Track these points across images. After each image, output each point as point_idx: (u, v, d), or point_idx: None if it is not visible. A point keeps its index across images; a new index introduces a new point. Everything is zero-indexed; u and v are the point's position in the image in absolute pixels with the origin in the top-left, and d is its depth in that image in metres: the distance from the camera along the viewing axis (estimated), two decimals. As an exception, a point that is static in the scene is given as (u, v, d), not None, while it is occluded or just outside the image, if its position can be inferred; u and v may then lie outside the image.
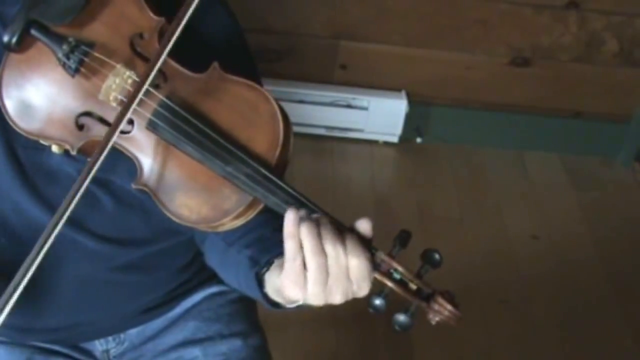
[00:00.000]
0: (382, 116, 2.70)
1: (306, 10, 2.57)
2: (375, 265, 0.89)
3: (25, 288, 1.08)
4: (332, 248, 0.85)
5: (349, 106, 2.69)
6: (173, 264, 1.20)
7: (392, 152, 2.78)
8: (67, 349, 1.21)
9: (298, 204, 0.88)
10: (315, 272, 0.85)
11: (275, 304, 0.98)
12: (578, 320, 2.24)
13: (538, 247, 2.46)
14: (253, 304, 1.30)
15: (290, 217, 0.86)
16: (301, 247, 0.86)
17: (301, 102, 2.66)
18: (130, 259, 1.13)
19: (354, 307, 2.14)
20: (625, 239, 2.53)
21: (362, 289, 0.88)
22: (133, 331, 1.22)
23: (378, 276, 0.90)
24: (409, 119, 2.71)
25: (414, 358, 2.08)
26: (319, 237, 0.85)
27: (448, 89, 2.73)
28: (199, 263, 1.23)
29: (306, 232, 0.85)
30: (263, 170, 0.87)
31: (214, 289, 1.26)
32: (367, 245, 0.88)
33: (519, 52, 2.64)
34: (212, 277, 1.25)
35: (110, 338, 1.22)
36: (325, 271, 0.85)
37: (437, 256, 0.91)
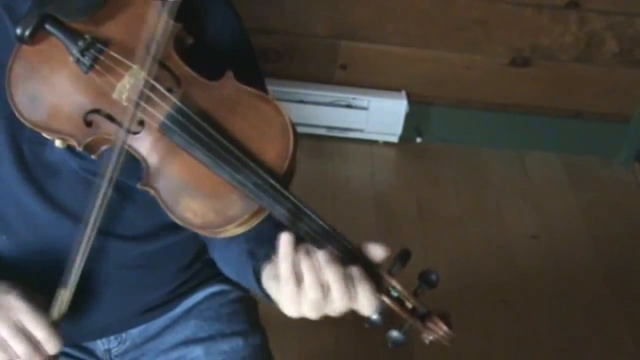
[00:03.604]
0: (382, 116, 2.70)
1: (306, 10, 2.57)
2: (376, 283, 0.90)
3: (31, 286, 1.08)
4: (333, 279, 0.86)
5: (349, 106, 2.70)
6: (175, 263, 1.21)
7: (392, 152, 2.79)
8: (69, 347, 1.21)
9: (302, 213, 0.89)
10: (312, 302, 0.87)
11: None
12: (578, 320, 2.24)
13: (538, 247, 2.47)
14: (254, 303, 1.31)
15: (284, 240, 0.87)
16: (295, 270, 0.87)
17: (301, 102, 2.66)
18: (132, 256, 1.14)
19: (354, 307, 2.13)
20: (625, 238, 2.53)
21: (362, 310, 0.90)
22: (134, 330, 1.22)
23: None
24: (409, 119, 2.71)
25: (414, 358, 2.09)
26: (318, 270, 0.86)
27: (448, 89, 2.74)
28: (200, 262, 1.24)
29: (306, 266, 0.86)
30: (272, 180, 0.88)
31: (215, 288, 1.26)
32: (372, 269, 0.89)
33: (519, 52, 2.64)
34: (213, 277, 1.26)
35: (112, 337, 1.22)
36: (323, 301, 0.87)
37: (434, 277, 0.93)
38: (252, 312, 1.29)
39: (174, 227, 1.14)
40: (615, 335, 2.22)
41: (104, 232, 1.09)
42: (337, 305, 0.88)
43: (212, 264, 1.20)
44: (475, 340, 2.14)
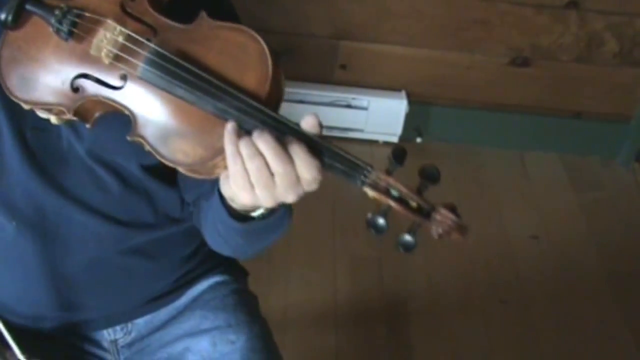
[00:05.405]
0: (382, 116, 2.70)
1: (306, 10, 2.57)
2: (373, 184, 0.89)
3: (36, 273, 1.11)
4: (268, 150, 0.86)
5: (349, 106, 2.69)
6: (178, 252, 1.23)
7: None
8: (75, 338, 1.22)
9: (289, 129, 0.88)
10: (255, 174, 0.87)
11: (245, 219, 0.99)
12: (578, 320, 2.24)
13: (538, 247, 2.47)
14: (254, 297, 1.32)
15: (228, 127, 0.87)
16: (239, 152, 0.87)
17: (301, 102, 2.66)
18: (137, 243, 1.16)
19: (354, 307, 2.13)
20: (624, 239, 2.53)
21: (311, 186, 0.90)
22: (140, 321, 1.24)
23: (376, 195, 0.90)
24: (409, 119, 2.71)
25: (413, 358, 2.09)
26: (254, 143, 0.87)
27: (448, 89, 2.73)
28: (203, 253, 1.25)
29: (243, 144, 0.87)
30: (254, 103, 0.88)
31: (218, 279, 1.28)
32: (312, 142, 0.88)
33: (519, 52, 2.64)
34: (216, 267, 1.28)
35: (118, 328, 1.23)
36: (267, 173, 0.87)
37: (435, 171, 0.90)
38: (253, 303, 1.30)
39: (175, 220, 1.17)
40: (615, 335, 2.22)
41: (107, 217, 1.12)
42: (281, 176, 0.87)
43: (214, 255, 1.21)
44: (475, 340, 2.14)
